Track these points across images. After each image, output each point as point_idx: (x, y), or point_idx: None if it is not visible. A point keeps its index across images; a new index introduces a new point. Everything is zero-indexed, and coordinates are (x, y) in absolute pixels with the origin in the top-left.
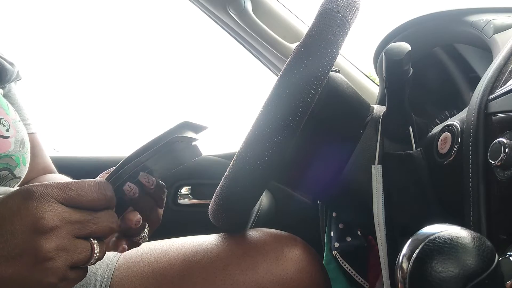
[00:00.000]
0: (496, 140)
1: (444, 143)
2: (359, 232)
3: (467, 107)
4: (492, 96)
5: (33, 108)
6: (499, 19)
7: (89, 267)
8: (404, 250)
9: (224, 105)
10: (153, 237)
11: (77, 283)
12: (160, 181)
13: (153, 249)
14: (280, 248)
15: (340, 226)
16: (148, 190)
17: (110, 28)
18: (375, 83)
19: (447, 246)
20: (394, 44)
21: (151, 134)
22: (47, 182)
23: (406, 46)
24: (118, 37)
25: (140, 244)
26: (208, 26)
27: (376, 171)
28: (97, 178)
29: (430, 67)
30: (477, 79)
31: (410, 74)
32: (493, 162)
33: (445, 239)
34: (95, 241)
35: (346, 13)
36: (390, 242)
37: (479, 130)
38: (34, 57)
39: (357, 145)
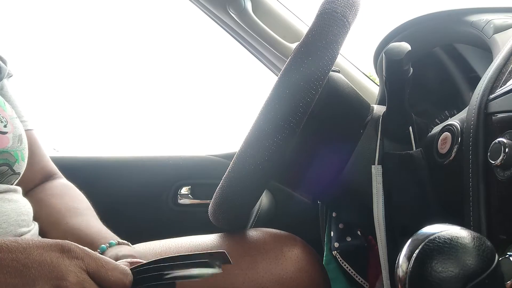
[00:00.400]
0: (496, 140)
1: (444, 143)
2: (359, 232)
3: (467, 107)
4: (492, 96)
5: (33, 107)
6: (499, 19)
7: None
8: (404, 250)
9: (224, 105)
10: (153, 237)
11: None
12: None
13: (153, 249)
14: (279, 247)
15: (340, 226)
16: None
17: (110, 28)
18: (375, 83)
19: (447, 246)
20: (394, 44)
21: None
22: (87, 249)
23: (406, 46)
24: (118, 37)
25: None
26: (208, 26)
27: (376, 171)
28: (125, 266)
29: (430, 67)
30: (477, 79)
31: (410, 74)
32: (493, 162)
33: (445, 239)
34: None
35: (346, 13)
36: (390, 242)
37: (479, 130)
38: (35, 57)
39: (357, 145)
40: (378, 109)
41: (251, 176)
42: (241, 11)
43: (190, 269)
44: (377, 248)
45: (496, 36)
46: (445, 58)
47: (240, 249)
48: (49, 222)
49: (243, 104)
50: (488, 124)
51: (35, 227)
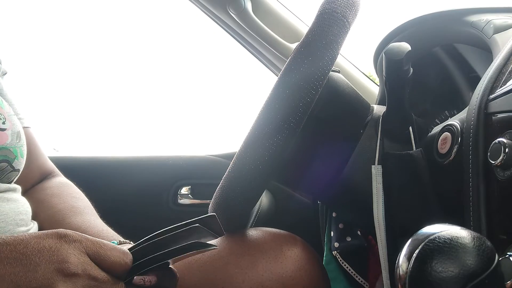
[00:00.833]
0: (496, 140)
1: (444, 143)
2: (359, 232)
3: (467, 107)
4: (492, 96)
5: (34, 107)
6: (499, 19)
7: None
8: (404, 250)
9: (224, 105)
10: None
11: None
12: (172, 267)
13: None
14: (279, 247)
15: (340, 226)
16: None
17: (110, 28)
18: (375, 83)
19: (447, 246)
20: (394, 44)
21: (151, 134)
22: (83, 234)
23: (406, 46)
24: (118, 37)
25: None
26: (208, 26)
27: (376, 171)
28: (123, 247)
29: (430, 67)
30: (477, 79)
31: (410, 74)
32: (493, 162)
33: (445, 239)
34: None
35: (346, 13)
36: (390, 242)
37: (479, 130)
38: (35, 57)
39: (357, 145)
40: (378, 109)
41: (251, 176)
42: (241, 11)
43: (184, 241)
44: (377, 248)
45: (496, 36)
46: (445, 58)
47: (240, 248)
48: (50, 222)
49: (243, 104)
50: (488, 124)
51: (34, 226)
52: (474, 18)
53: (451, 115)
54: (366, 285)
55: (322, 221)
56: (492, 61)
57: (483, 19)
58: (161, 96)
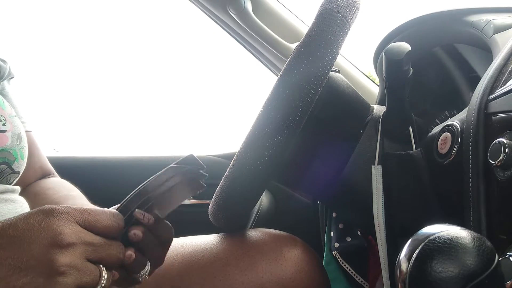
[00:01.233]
0: (496, 140)
1: (444, 143)
2: (359, 232)
3: (467, 107)
4: (492, 96)
5: (33, 108)
6: (499, 19)
7: None
8: (404, 250)
9: (224, 105)
10: None
11: None
12: (167, 222)
13: None
14: (279, 248)
15: (340, 226)
16: (149, 227)
17: (110, 28)
18: (375, 83)
19: (447, 246)
20: (394, 44)
21: (151, 134)
22: (67, 205)
23: (406, 46)
24: (118, 37)
25: (140, 281)
26: (208, 26)
27: (376, 171)
28: (111, 209)
29: (430, 67)
30: (477, 79)
31: (410, 74)
32: (493, 162)
33: (445, 239)
34: (104, 268)
35: (346, 13)
36: (390, 242)
37: (479, 130)
38: (35, 57)
39: (357, 145)
40: (378, 109)
41: (251, 176)
42: (241, 11)
43: (168, 191)
44: (377, 248)
45: (496, 36)
46: (445, 58)
47: (240, 249)
48: None
49: (243, 104)
50: (488, 124)
51: None
52: (474, 18)
53: (451, 115)
54: (366, 285)
55: (322, 221)
56: (492, 61)
57: (483, 19)
58: (161, 96)
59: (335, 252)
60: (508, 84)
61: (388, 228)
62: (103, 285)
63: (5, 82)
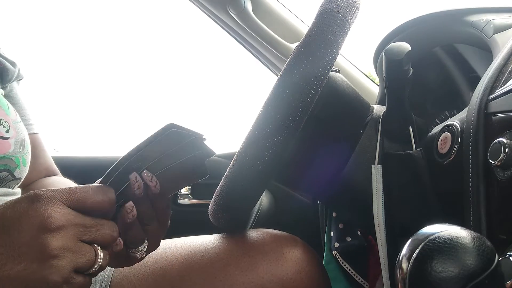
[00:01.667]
0: (496, 140)
1: (444, 143)
2: (359, 232)
3: (467, 107)
4: (492, 96)
5: (33, 108)
6: (499, 19)
7: None
8: (404, 250)
9: (224, 105)
10: None
11: None
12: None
13: None
14: (279, 248)
15: (340, 226)
16: (153, 196)
17: (110, 28)
18: (375, 83)
19: (447, 246)
20: (394, 44)
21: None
22: (53, 189)
23: (406, 46)
24: (118, 37)
25: (137, 258)
26: (208, 26)
27: (376, 171)
28: (98, 183)
29: (430, 67)
30: (477, 79)
31: (410, 74)
32: (493, 162)
33: (445, 239)
34: (99, 247)
35: (346, 13)
36: (390, 242)
37: (479, 130)
38: (35, 57)
39: (357, 145)
40: (378, 109)
41: (251, 176)
42: (241, 11)
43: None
44: (377, 248)
45: (496, 36)
46: (445, 58)
47: (240, 250)
48: None
49: (243, 104)
50: (488, 124)
51: None
52: (474, 18)
53: (451, 115)
54: (366, 285)
55: (322, 221)
56: (492, 61)
57: (483, 19)
58: (161, 96)
59: (335, 252)
60: (508, 84)
61: (388, 228)
62: (100, 263)
63: (14, 83)
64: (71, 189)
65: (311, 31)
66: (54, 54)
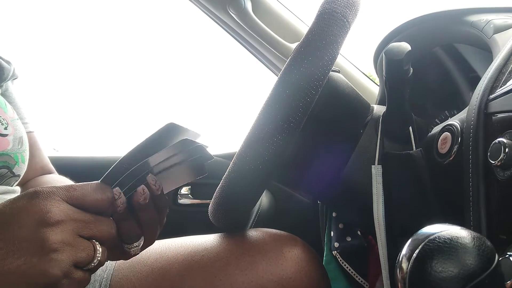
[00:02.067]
0: (496, 140)
1: (444, 143)
2: (359, 232)
3: (467, 107)
4: (492, 96)
5: (33, 108)
6: (499, 19)
7: None
8: (404, 250)
9: (224, 105)
10: None
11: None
12: (165, 196)
13: (153, 249)
14: (279, 248)
15: (340, 226)
16: (154, 196)
17: (110, 28)
18: (375, 83)
19: (447, 246)
20: (394, 44)
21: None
22: (52, 186)
23: (406, 46)
24: (118, 37)
25: (131, 254)
26: (208, 26)
27: (376, 171)
28: (98, 182)
29: (430, 67)
30: (477, 79)
31: (410, 74)
32: (493, 162)
33: (445, 239)
34: (97, 243)
35: (346, 13)
36: (390, 242)
37: (479, 130)
38: (34, 57)
39: (357, 145)
40: (378, 109)
41: (251, 176)
42: (241, 11)
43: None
44: (377, 248)
45: (496, 36)
46: (445, 58)
47: (240, 249)
48: None
49: (243, 104)
50: (488, 124)
51: None
52: (474, 18)
53: (451, 115)
54: (366, 285)
55: (322, 221)
56: (492, 61)
57: (483, 19)
58: (161, 96)
59: (335, 252)
60: (508, 84)
61: (388, 228)
62: (99, 258)
63: (9, 82)
64: (70, 186)
65: (311, 31)
66: (54, 54)
